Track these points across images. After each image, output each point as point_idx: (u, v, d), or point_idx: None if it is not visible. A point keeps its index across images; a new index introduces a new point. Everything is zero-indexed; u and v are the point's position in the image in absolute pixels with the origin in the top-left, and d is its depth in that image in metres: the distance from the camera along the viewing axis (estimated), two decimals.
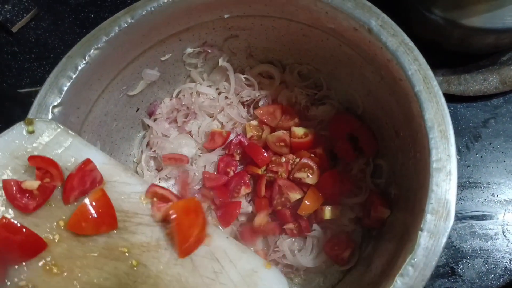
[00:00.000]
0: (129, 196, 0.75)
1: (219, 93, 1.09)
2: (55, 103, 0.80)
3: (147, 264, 0.71)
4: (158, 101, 1.07)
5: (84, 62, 0.82)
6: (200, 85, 1.08)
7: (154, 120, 1.08)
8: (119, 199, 0.74)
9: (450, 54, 1.07)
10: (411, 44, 0.76)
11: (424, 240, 0.67)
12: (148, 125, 1.07)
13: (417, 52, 0.76)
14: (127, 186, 0.75)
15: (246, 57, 1.07)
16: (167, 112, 1.08)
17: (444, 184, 0.69)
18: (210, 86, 1.09)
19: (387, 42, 0.77)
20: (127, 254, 0.71)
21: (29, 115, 0.80)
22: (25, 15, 1.27)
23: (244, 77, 1.07)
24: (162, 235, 0.74)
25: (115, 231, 0.72)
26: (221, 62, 1.05)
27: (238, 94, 1.08)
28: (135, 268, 0.71)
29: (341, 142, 1.00)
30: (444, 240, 0.67)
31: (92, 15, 1.28)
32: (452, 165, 0.70)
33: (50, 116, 0.80)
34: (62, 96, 0.81)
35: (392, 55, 0.76)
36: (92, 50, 0.83)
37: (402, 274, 0.66)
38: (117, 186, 0.75)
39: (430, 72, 0.74)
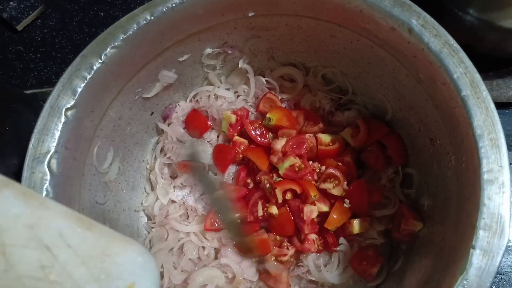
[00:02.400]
0: None
1: (237, 96, 1.04)
2: (69, 106, 0.74)
3: None
4: (173, 105, 1.01)
5: (100, 61, 0.77)
6: (218, 88, 1.02)
7: (169, 125, 1.02)
8: None
9: (482, 58, 1.01)
10: (456, 45, 0.71)
11: (476, 258, 0.61)
12: (162, 130, 1.01)
13: (462, 54, 0.70)
14: None
15: (268, 59, 1.01)
16: (182, 115, 1.02)
17: (497, 198, 0.63)
18: (228, 89, 1.04)
19: (430, 43, 0.71)
20: None
21: (41, 118, 0.73)
22: (31, 12, 1.21)
23: (265, 80, 1.01)
24: None
25: None
26: (241, 64, 0.99)
27: (258, 98, 1.02)
28: None
29: (371, 150, 0.94)
30: (499, 259, 0.61)
31: (102, 14, 1.22)
32: (505, 176, 0.64)
33: (63, 119, 0.74)
34: (76, 97, 0.75)
35: (435, 57, 0.71)
36: (108, 49, 0.77)
37: None
38: None
39: (477, 76, 0.69)
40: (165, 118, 1.01)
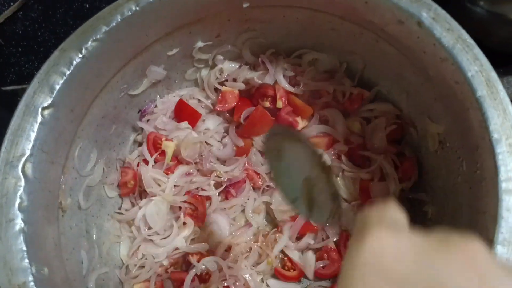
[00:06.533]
0: None
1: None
2: (46, 104, 0.68)
3: None
4: (150, 104, 0.94)
5: (80, 56, 0.70)
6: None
7: (147, 121, 0.95)
8: None
9: (490, 53, 0.95)
10: (471, 40, 0.64)
11: None
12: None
13: (477, 50, 0.64)
14: None
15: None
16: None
17: None
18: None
19: (442, 38, 0.65)
20: None
21: (15, 118, 0.67)
22: (11, 4, 1.14)
23: None
24: None
25: None
26: None
27: None
28: None
29: None
30: None
31: (87, 5, 1.15)
32: None
33: (39, 119, 0.67)
34: (53, 95, 0.68)
35: (447, 53, 0.64)
36: (89, 42, 0.71)
37: None
38: None
39: (494, 74, 0.63)
40: (141, 117, 0.95)
